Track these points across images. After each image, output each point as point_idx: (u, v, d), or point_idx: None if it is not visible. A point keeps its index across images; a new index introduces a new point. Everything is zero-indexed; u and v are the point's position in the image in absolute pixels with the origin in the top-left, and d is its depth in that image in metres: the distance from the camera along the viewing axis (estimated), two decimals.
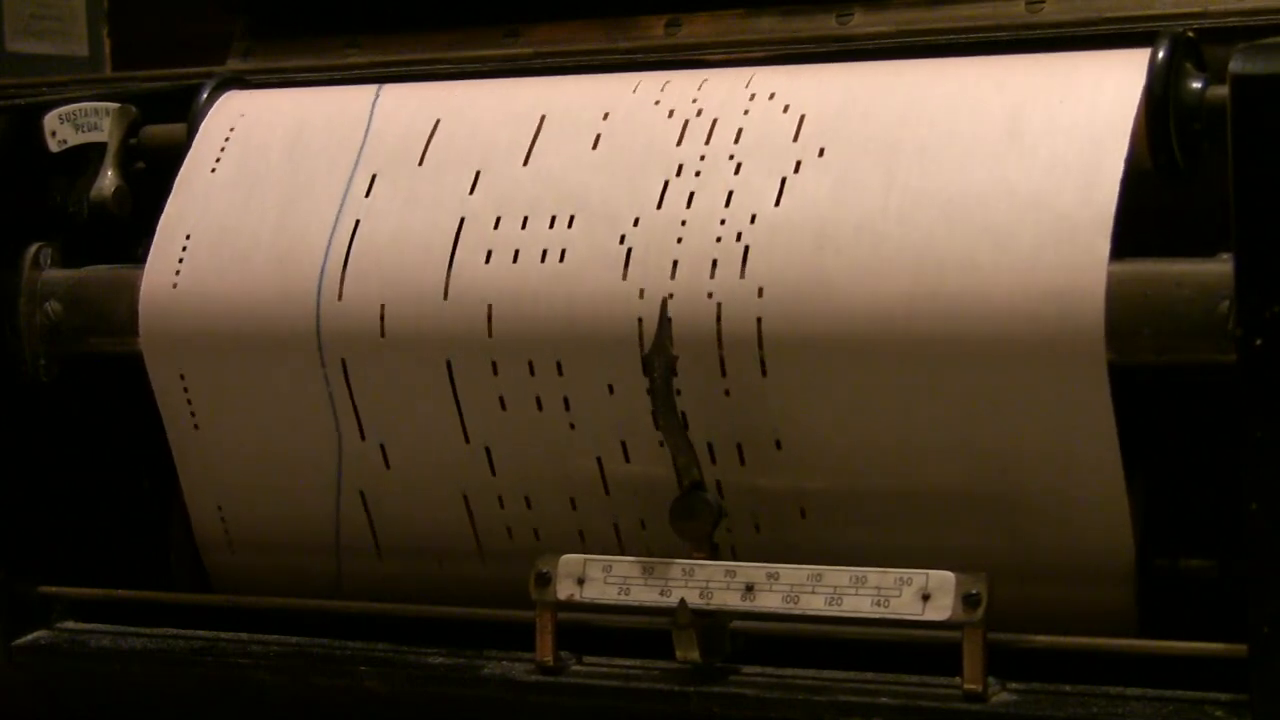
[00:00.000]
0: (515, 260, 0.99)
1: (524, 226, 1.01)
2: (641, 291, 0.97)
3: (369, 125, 1.08)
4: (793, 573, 0.93)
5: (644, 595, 0.95)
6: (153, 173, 1.14)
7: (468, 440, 1.02)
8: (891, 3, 1.14)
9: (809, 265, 0.94)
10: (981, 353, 0.91)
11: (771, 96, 1.01)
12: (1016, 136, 0.94)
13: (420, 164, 1.04)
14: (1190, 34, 0.98)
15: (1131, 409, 0.91)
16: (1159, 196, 0.95)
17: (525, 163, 1.03)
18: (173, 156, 1.12)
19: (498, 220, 1.01)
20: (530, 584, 0.96)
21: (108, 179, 1.14)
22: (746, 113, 1.00)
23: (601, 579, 0.96)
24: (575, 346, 0.98)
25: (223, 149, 1.10)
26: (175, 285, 1.06)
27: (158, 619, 1.09)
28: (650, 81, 1.05)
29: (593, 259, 0.98)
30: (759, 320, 0.95)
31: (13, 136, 1.10)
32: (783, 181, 0.97)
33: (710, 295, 0.96)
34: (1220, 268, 0.88)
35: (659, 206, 0.99)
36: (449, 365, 1.00)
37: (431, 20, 1.25)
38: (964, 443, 0.93)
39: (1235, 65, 0.85)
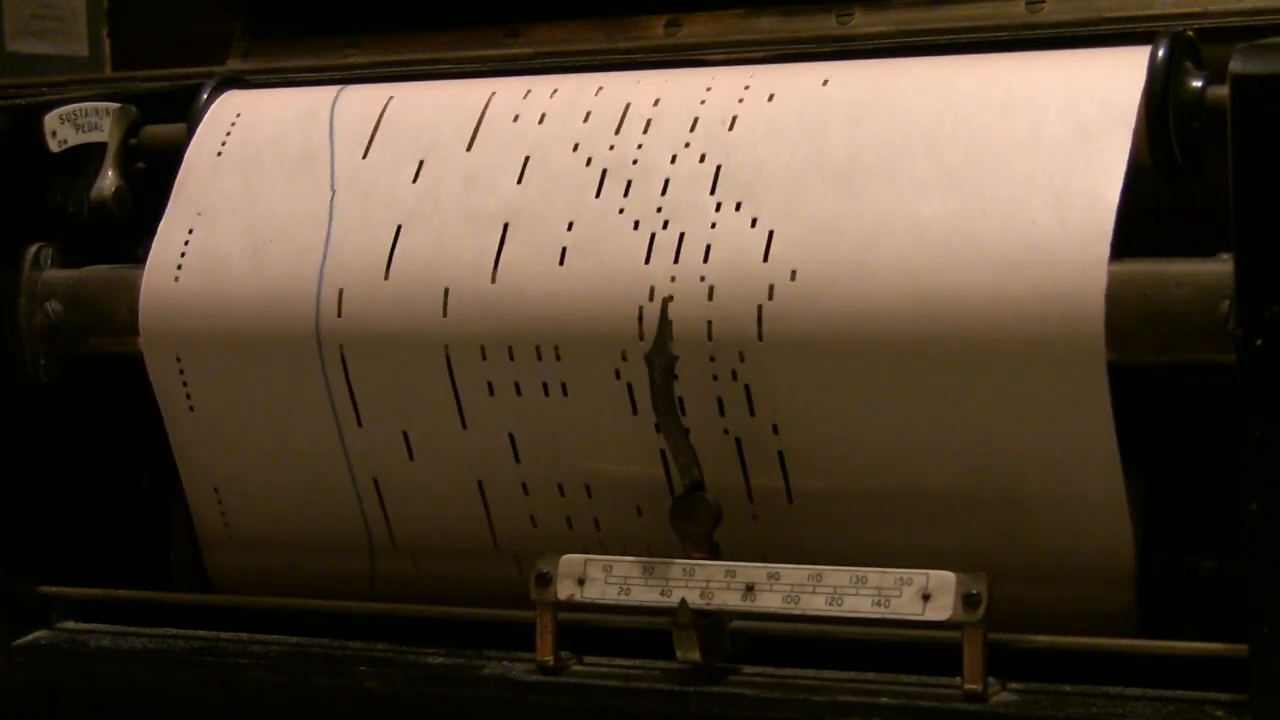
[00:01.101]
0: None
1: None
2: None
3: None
4: (793, 573, 0.93)
5: (644, 595, 0.95)
6: (153, 173, 1.14)
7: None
8: (891, 3, 1.14)
9: (809, 265, 0.94)
10: (981, 353, 0.91)
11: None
12: (1016, 135, 0.94)
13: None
14: (1190, 34, 0.98)
15: (1131, 409, 0.91)
16: (1159, 196, 0.95)
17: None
18: (173, 156, 1.12)
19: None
20: (530, 584, 0.96)
21: (108, 179, 1.14)
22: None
23: (602, 579, 0.96)
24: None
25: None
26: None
27: (158, 619, 1.09)
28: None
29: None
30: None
31: (13, 136, 1.10)
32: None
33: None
34: (1220, 268, 0.88)
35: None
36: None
37: (431, 20, 1.25)
38: (964, 443, 0.93)
39: (1235, 65, 0.85)
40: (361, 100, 1.10)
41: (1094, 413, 0.90)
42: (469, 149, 1.05)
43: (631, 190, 1.00)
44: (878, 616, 0.91)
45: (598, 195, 1.00)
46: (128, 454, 1.14)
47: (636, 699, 0.95)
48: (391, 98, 1.09)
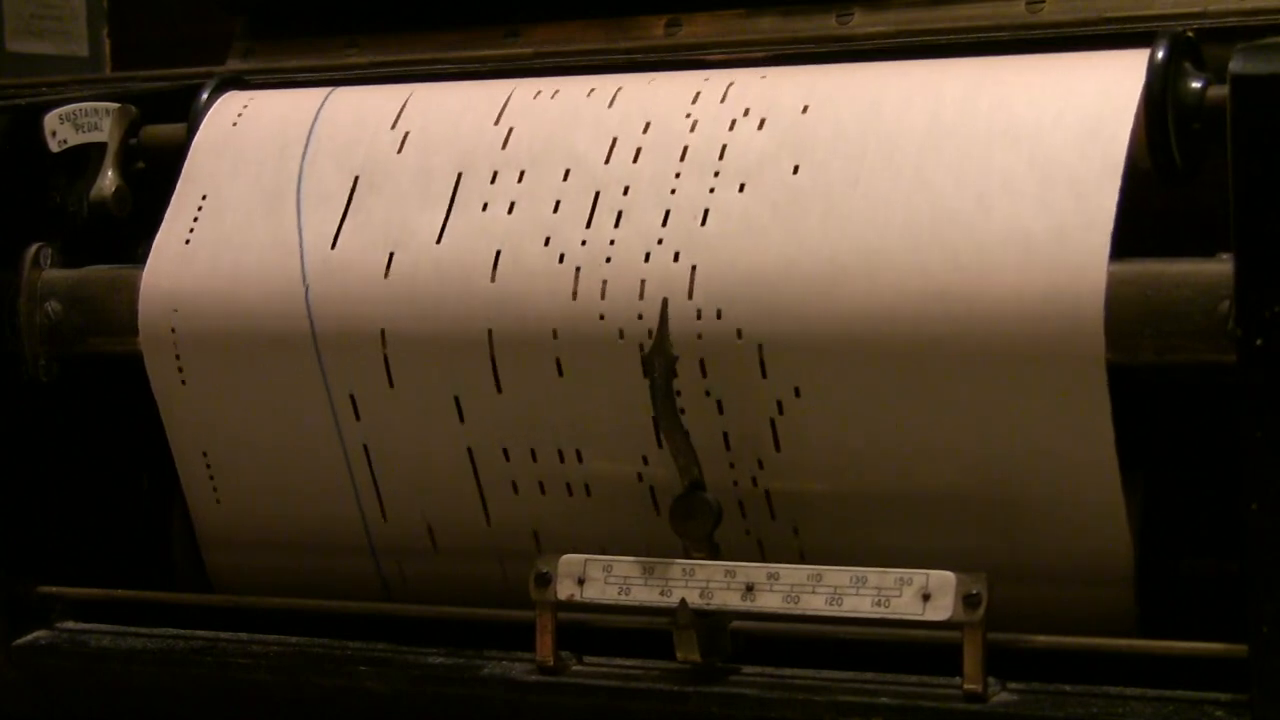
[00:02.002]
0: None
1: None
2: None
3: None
4: (793, 573, 0.93)
5: (644, 595, 0.95)
6: (153, 173, 1.14)
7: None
8: (891, 3, 1.14)
9: (808, 265, 0.94)
10: (981, 353, 0.91)
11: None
12: (1016, 136, 0.94)
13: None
14: (1190, 34, 0.98)
15: (1131, 409, 0.91)
16: (1159, 196, 0.95)
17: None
18: (173, 156, 1.12)
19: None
20: (530, 584, 0.96)
21: (108, 179, 1.14)
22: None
23: (602, 579, 0.96)
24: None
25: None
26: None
27: (158, 619, 1.09)
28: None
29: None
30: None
31: (13, 136, 1.10)
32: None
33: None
34: (1220, 268, 0.88)
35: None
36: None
37: (431, 20, 1.25)
38: (963, 444, 0.93)
39: (1235, 65, 0.85)
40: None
41: (1093, 413, 0.90)
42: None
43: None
44: (878, 616, 0.91)
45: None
46: (128, 454, 1.14)
47: (636, 699, 0.95)
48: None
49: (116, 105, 1.15)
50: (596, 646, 0.98)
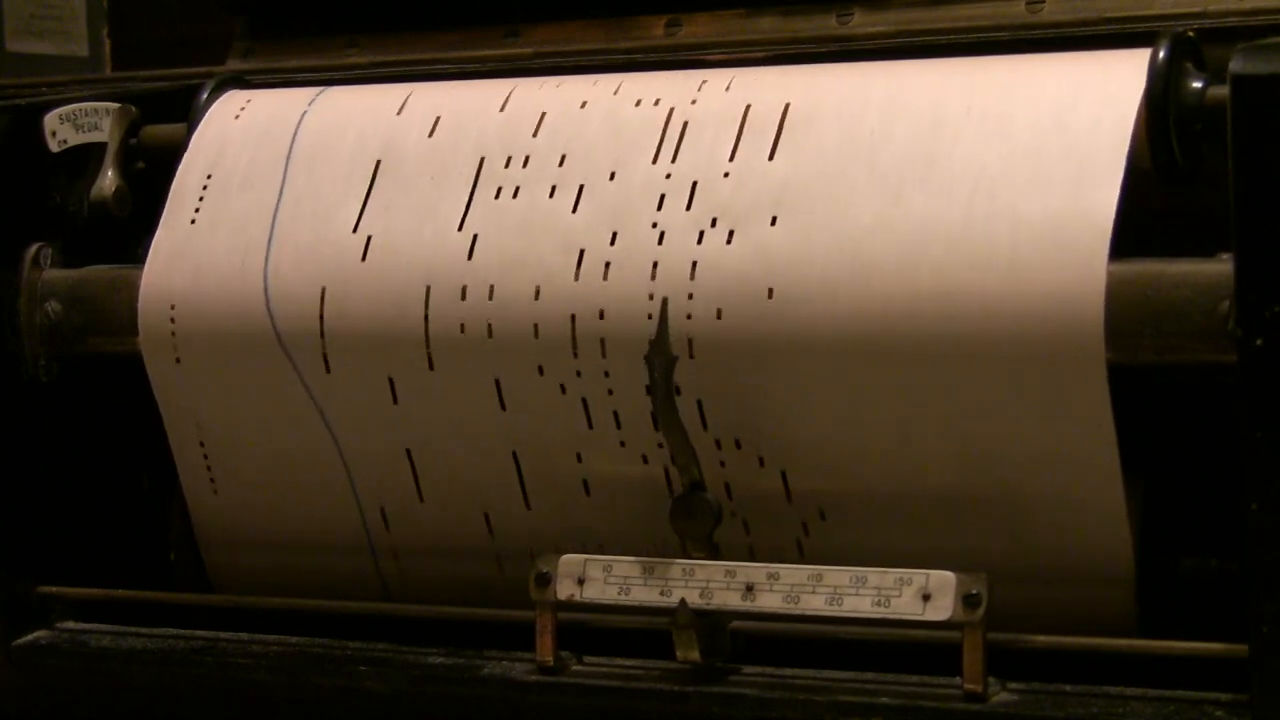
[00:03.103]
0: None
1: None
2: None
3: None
4: (793, 573, 0.93)
5: (644, 595, 0.95)
6: (153, 173, 1.14)
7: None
8: (891, 3, 1.14)
9: (807, 266, 0.94)
10: (981, 353, 0.91)
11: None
12: (1016, 136, 0.94)
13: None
14: (1190, 34, 0.98)
15: (1131, 409, 0.91)
16: (1159, 196, 0.95)
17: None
18: (173, 156, 1.12)
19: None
20: (530, 584, 0.96)
21: (108, 179, 1.14)
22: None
23: (601, 579, 0.96)
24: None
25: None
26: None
27: (158, 619, 1.09)
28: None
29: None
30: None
31: (13, 136, 1.10)
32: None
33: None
34: (1220, 268, 0.88)
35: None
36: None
37: (431, 20, 1.24)
38: (963, 444, 0.93)
39: (1235, 65, 0.85)
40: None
41: (1094, 413, 0.90)
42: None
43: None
44: (878, 616, 0.91)
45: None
46: (128, 454, 1.14)
47: (636, 699, 0.95)
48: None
49: (116, 105, 1.15)
50: (596, 646, 0.98)
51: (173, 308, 1.06)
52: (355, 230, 1.03)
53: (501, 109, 1.05)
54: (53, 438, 1.11)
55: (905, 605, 0.90)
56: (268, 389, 1.05)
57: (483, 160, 1.03)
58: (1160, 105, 0.94)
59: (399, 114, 1.07)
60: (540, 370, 0.99)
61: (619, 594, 0.95)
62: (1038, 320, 0.90)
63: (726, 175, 0.98)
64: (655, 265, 0.97)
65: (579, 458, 1.00)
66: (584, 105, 1.04)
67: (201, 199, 1.08)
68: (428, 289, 1.01)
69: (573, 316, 0.98)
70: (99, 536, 1.13)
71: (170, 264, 1.07)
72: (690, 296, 0.96)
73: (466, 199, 1.02)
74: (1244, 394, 0.84)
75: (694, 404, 0.96)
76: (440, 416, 1.02)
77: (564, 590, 0.96)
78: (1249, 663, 0.86)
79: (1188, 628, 0.92)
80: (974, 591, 0.89)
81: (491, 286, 1.00)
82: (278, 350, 1.04)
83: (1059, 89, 0.95)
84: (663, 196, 0.99)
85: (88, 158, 1.14)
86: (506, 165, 1.03)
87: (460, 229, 1.01)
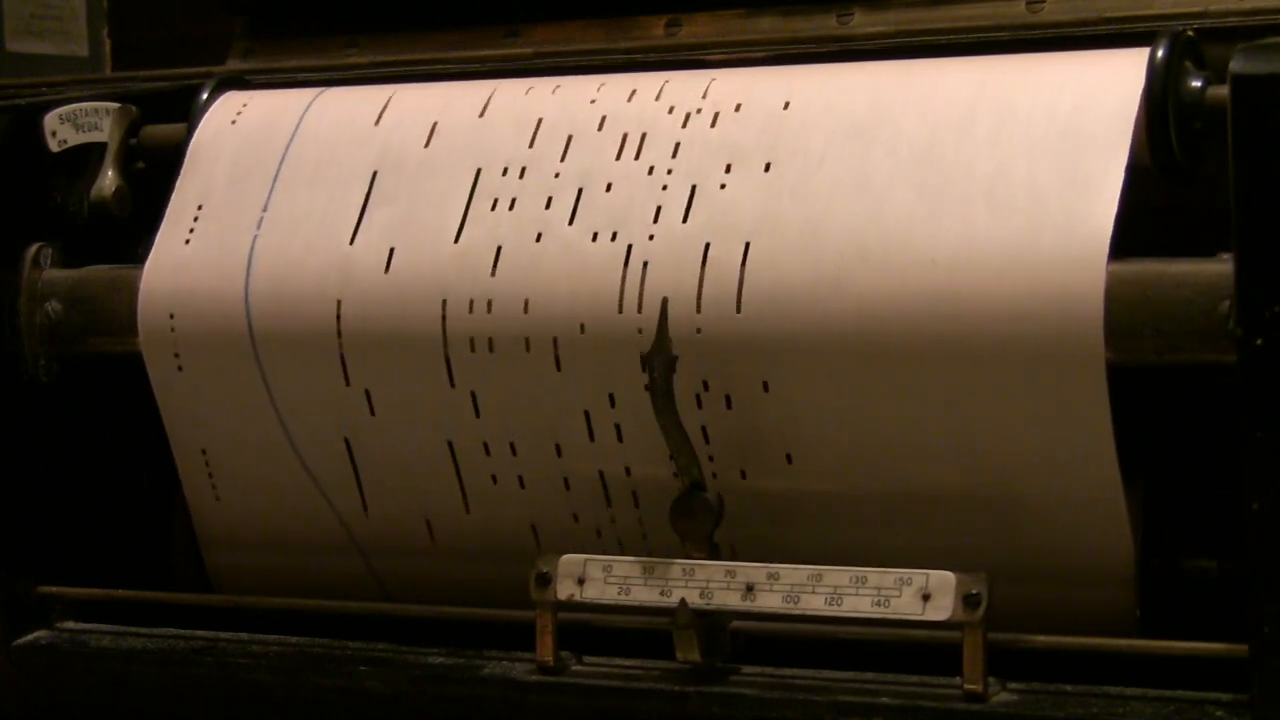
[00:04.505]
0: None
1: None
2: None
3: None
4: (793, 573, 0.93)
5: (644, 595, 0.95)
6: (153, 173, 1.14)
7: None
8: (891, 3, 1.14)
9: (806, 266, 0.94)
10: (980, 353, 0.91)
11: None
12: (1016, 135, 0.94)
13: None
14: (1190, 34, 0.98)
15: (1131, 409, 0.91)
16: (1159, 196, 0.95)
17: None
18: (173, 156, 1.12)
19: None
20: (530, 584, 0.96)
21: (108, 179, 1.14)
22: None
23: (601, 579, 0.96)
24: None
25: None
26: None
27: (158, 619, 1.09)
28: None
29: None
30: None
31: (13, 136, 1.10)
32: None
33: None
34: (1220, 268, 0.88)
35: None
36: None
37: (431, 20, 1.25)
38: (963, 443, 0.93)
39: (1235, 65, 0.85)
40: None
41: (1093, 414, 0.90)
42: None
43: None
44: (878, 616, 0.91)
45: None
46: (128, 454, 1.14)
47: (636, 699, 0.95)
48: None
49: (116, 105, 1.15)
50: (596, 646, 0.98)
51: (173, 308, 1.06)
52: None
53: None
54: (53, 438, 1.11)
55: (905, 605, 0.90)
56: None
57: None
58: (1160, 104, 0.94)
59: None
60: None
61: (619, 594, 0.95)
62: (1038, 320, 0.90)
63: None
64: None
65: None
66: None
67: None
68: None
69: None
70: (99, 536, 1.13)
71: (170, 264, 1.07)
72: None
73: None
74: (1244, 394, 0.84)
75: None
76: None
77: (564, 590, 0.96)
78: (1249, 663, 0.86)
79: (1188, 628, 0.92)
80: (974, 591, 0.89)
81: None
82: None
83: (1059, 88, 0.95)
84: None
85: (88, 158, 1.14)
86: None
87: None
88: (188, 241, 1.07)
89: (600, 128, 1.02)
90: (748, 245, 0.96)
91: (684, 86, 1.03)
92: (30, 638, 1.09)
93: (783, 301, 0.94)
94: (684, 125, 1.01)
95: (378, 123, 1.07)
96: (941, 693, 0.91)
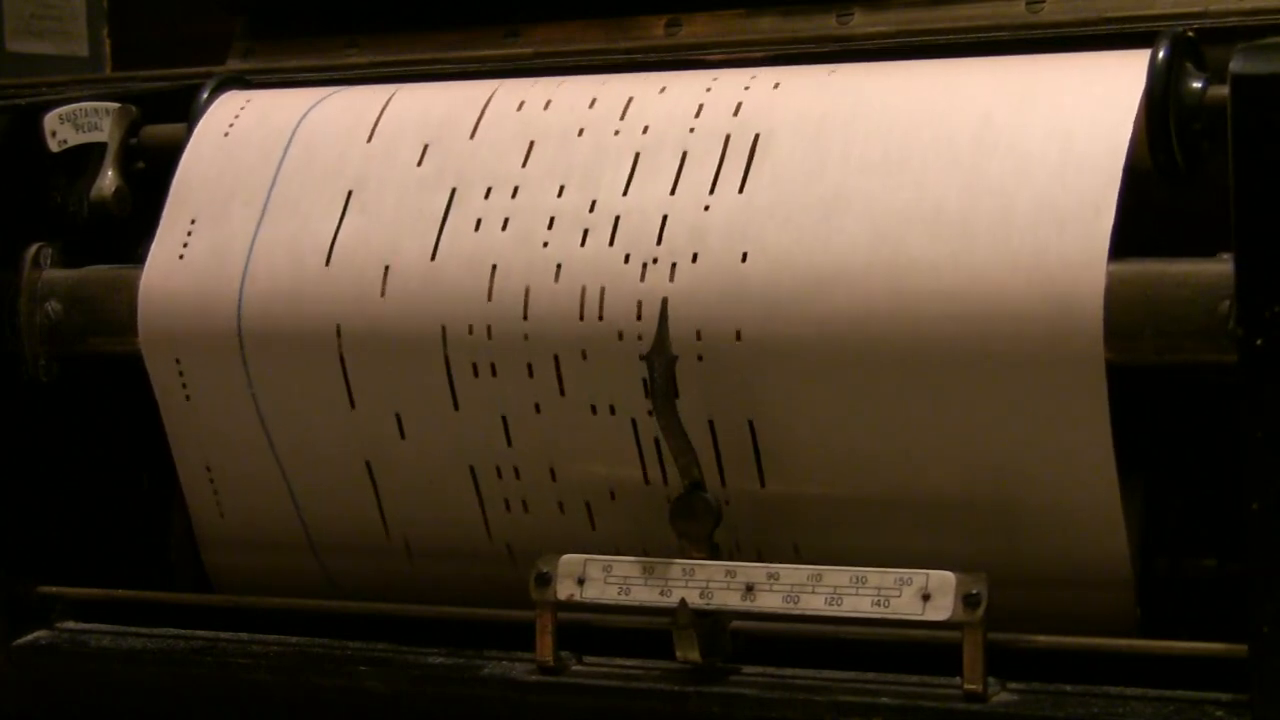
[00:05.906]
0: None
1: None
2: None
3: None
4: (793, 573, 0.93)
5: (644, 595, 0.95)
6: (153, 173, 1.14)
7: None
8: (891, 3, 1.14)
9: (804, 269, 0.94)
10: (980, 353, 0.91)
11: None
12: (1016, 136, 0.94)
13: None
14: (1190, 34, 0.98)
15: (1131, 409, 0.91)
16: (1159, 196, 0.95)
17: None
18: (173, 156, 1.12)
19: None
20: (530, 584, 0.96)
21: (108, 179, 1.14)
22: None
23: (601, 579, 0.96)
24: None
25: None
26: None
27: (158, 619, 1.09)
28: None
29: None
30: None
31: (13, 136, 1.10)
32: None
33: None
34: (1220, 268, 0.88)
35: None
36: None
37: (431, 20, 1.25)
38: (962, 445, 0.93)
39: (1235, 65, 0.85)
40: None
41: (1092, 414, 0.90)
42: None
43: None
44: (878, 616, 0.91)
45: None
46: (128, 454, 1.14)
47: (636, 699, 0.95)
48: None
49: (116, 105, 1.15)
50: (596, 646, 0.98)
51: (173, 309, 1.06)
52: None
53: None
54: (53, 438, 1.11)
55: (905, 605, 0.90)
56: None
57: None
58: (1160, 105, 0.94)
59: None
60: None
61: (619, 594, 0.95)
62: (1038, 320, 0.90)
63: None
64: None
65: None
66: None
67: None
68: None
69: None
70: (99, 536, 1.13)
71: (170, 264, 1.07)
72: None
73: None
74: (1244, 394, 0.84)
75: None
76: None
77: (564, 590, 0.96)
78: (1249, 663, 0.86)
79: (1188, 628, 0.92)
80: (974, 591, 0.89)
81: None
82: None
83: (1059, 89, 0.95)
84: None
85: (88, 158, 1.14)
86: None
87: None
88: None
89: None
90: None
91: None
92: (30, 638, 1.09)
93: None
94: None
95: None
96: (941, 693, 0.91)
